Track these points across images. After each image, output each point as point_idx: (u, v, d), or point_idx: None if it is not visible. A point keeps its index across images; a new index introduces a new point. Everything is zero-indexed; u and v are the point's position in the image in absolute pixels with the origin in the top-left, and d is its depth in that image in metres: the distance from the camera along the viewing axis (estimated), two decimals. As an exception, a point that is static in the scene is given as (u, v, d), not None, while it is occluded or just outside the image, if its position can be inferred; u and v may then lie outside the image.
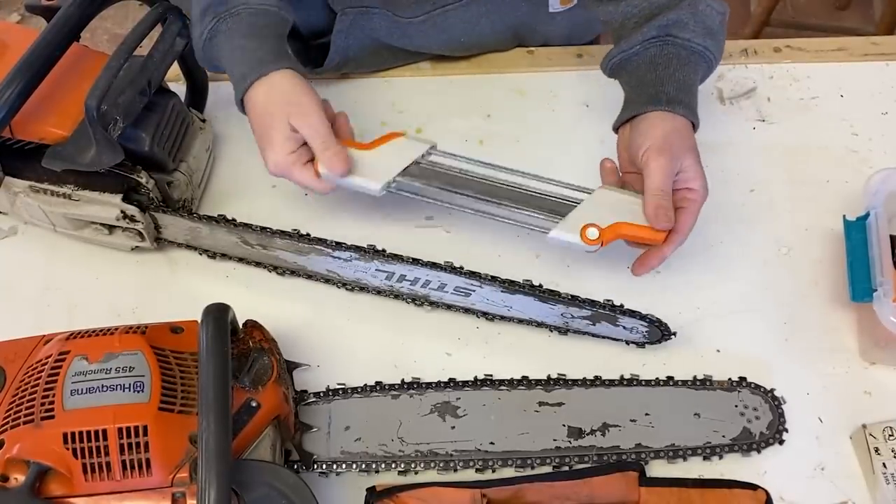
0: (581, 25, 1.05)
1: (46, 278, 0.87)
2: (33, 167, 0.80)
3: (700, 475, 0.74)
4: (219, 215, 0.83)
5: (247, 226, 0.82)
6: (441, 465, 0.73)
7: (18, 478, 0.61)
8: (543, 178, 0.78)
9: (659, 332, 0.77)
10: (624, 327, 0.78)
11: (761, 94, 0.99)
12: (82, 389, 0.62)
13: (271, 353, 0.72)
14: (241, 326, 0.73)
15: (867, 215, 0.79)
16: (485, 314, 0.82)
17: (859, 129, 0.95)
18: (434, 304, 0.83)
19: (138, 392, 0.62)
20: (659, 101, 0.76)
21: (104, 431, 0.60)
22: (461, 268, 0.79)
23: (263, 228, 0.82)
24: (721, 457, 0.74)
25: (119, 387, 0.62)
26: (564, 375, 0.78)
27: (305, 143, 0.77)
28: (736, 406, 0.76)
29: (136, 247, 0.87)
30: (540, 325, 0.81)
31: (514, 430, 0.74)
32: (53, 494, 0.61)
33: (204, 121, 0.91)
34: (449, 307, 0.83)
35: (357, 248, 0.80)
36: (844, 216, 0.81)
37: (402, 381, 0.77)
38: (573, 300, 0.76)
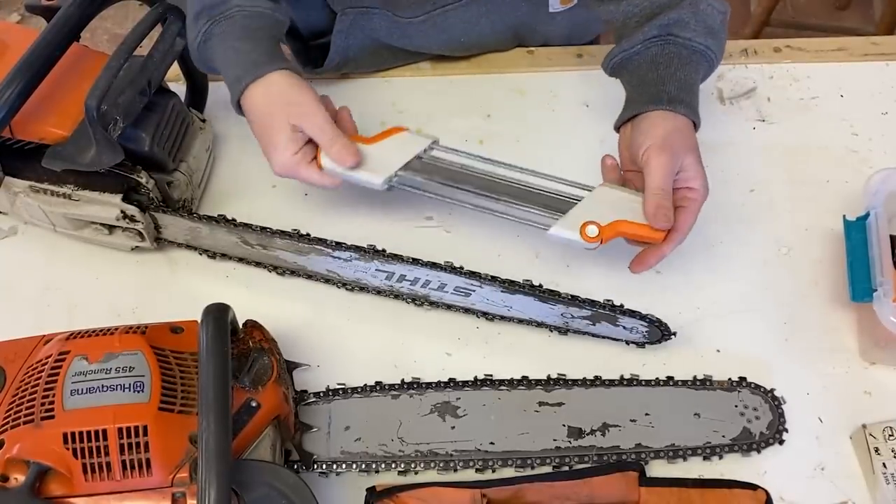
0: (581, 25, 1.05)
1: (46, 278, 0.87)
2: (33, 167, 0.80)
3: (700, 475, 0.74)
4: (219, 215, 0.83)
5: (247, 226, 0.82)
6: (441, 465, 0.73)
7: (18, 478, 0.61)
8: (545, 175, 0.78)
9: (659, 332, 0.77)
10: (624, 327, 0.78)
11: (761, 94, 0.99)
12: (82, 389, 0.62)
13: (271, 353, 0.72)
14: (241, 326, 0.73)
15: (867, 215, 0.79)
16: (485, 314, 0.82)
17: (859, 129, 0.95)
18: (434, 304, 0.83)
19: (138, 392, 0.62)
20: (660, 101, 0.76)
21: (104, 431, 0.60)
22: (461, 268, 0.79)
23: (263, 228, 0.82)
24: (721, 457, 0.74)
25: (119, 387, 0.62)
26: (564, 375, 0.78)
27: (308, 142, 0.77)
28: (736, 406, 0.76)
29: (136, 247, 0.87)
30: (540, 325, 0.81)
31: (514, 430, 0.74)
32: (53, 494, 0.61)
33: (204, 121, 0.91)
34: (449, 307, 0.83)
35: (357, 248, 0.80)
36: (844, 216, 0.81)
37: (402, 381, 0.77)
38: (573, 300, 0.76)
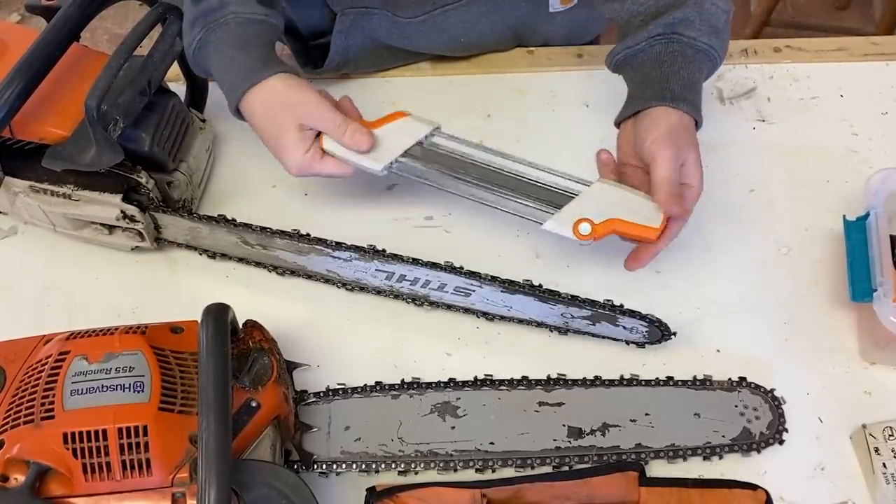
0: (581, 25, 1.05)
1: (46, 278, 0.88)
2: (33, 167, 0.80)
3: (700, 475, 0.74)
4: (219, 215, 0.83)
5: (247, 226, 0.82)
6: (441, 465, 0.73)
7: (18, 478, 0.61)
8: (545, 168, 0.78)
9: (659, 332, 0.77)
10: (624, 327, 0.78)
11: (761, 94, 0.99)
12: (82, 389, 0.62)
13: (271, 353, 0.72)
14: (241, 326, 0.73)
15: (867, 215, 0.79)
16: (485, 314, 0.82)
17: (859, 129, 0.95)
18: (434, 304, 0.83)
19: (138, 392, 0.62)
20: (664, 98, 0.76)
21: (104, 431, 0.60)
22: (461, 268, 0.79)
23: (263, 228, 0.82)
24: (721, 457, 0.74)
25: (119, 387, 0.62)
26: (564, 375, 0.78)
27: (317, 138, 0.78)
28: (736, 406, 0.76)
29: (136, 247, 0.87)
30: (540, 325, 0.81)
31: (514, 430, 0.74)
32: (53, 494, 0.61)
33: (204, 121, 0.91)
34: (449, 307, 0.83)
35: (357, 248, 0.80)
36: (844, 216, 0.81)
37: (402, 381, 0.77)
38: (573, 300, 0.76)
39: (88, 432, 0.60)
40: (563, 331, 0.81)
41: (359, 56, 1.00)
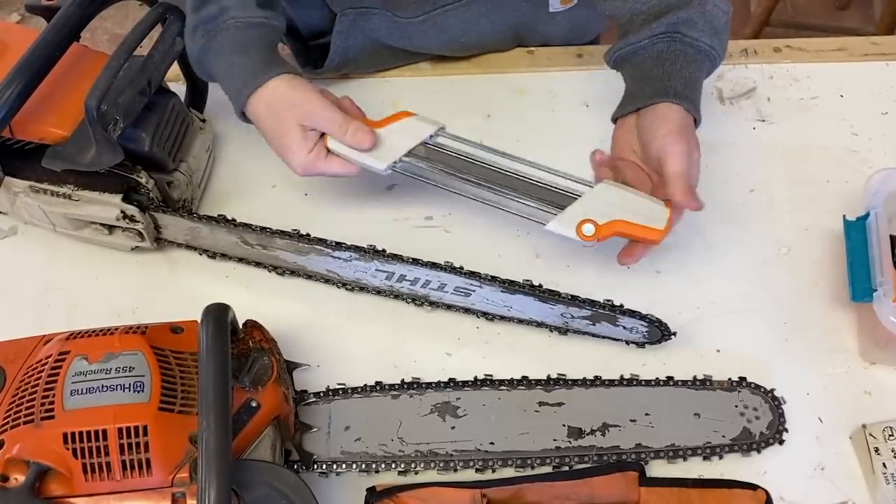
0: (581, 25, 1.05)
1: (46, 278, 0.88)
2: (33, 167, 0.80)
3: (700, 475, 0.74)
4: (219, 215, 0.83)
5: (247, 226, 0.82)
6: (441, 465, 0.73)
7: (18, 478, 0.61)
8: (548, 169, 0.78)
9: (659, 332, 0.77)
10: (624, 327, 0.78)
11: (761, 94, 0.99)
12: (82, 389, 0.62)
13: (271, 353, 0.72)
14: (241, 326, 0.73)
15: (867, 215, 0.79)
16: (485, 314, 0.82)
17: (859, 129, 0.95)
18: (434, 304, 0.83)
19: (138, 392, 0.62)
20: (667, 95, 0.77)
21: (104, 431, 0.60)
22: (461, 268, 0.79)
23: (263, 228, 0.82)
24: (721, 457, 0.74)
25: (119, 387, 0.62)
26: (564, 375, 0.78)
27: (321, 138, 0.78)
28: (736, 406, 0.76)
29: (136, 247, 0.87)
30: (540, 325, 0.81)
31: (514, 430, 0.74)
32: (53, 494, 0.61)
33: (204, 121, 0.91)
34: (449, 307, 0.83)
35: (357, 248, 0.80)
36: (844, 216, 0.81)
37: (402, 381, 0.77)
38: (573, 300, 0.76)
39: (88, 432, 0.60)
40: (563, 331, 0.81)
41: (359, 56, 1.00)
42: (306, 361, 0.79)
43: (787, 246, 0.88)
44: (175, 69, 0.86)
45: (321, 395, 0.77)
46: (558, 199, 0.76)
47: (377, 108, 0.83)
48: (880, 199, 0.79)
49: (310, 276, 0.85)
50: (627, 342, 0.81)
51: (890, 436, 0.73)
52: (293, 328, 0.81)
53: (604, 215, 0.74)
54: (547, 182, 0.77)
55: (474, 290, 0.79)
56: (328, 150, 0.79)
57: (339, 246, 0.80)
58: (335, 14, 0.97)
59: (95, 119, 0.73)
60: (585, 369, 0.78)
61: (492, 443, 0.74)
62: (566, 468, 0.73)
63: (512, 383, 0.77)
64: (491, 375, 0.78)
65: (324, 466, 0.73)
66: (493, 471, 0.74)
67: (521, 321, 0.82)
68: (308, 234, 0.81)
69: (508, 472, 0.74)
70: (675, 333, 0.78)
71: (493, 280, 0.78)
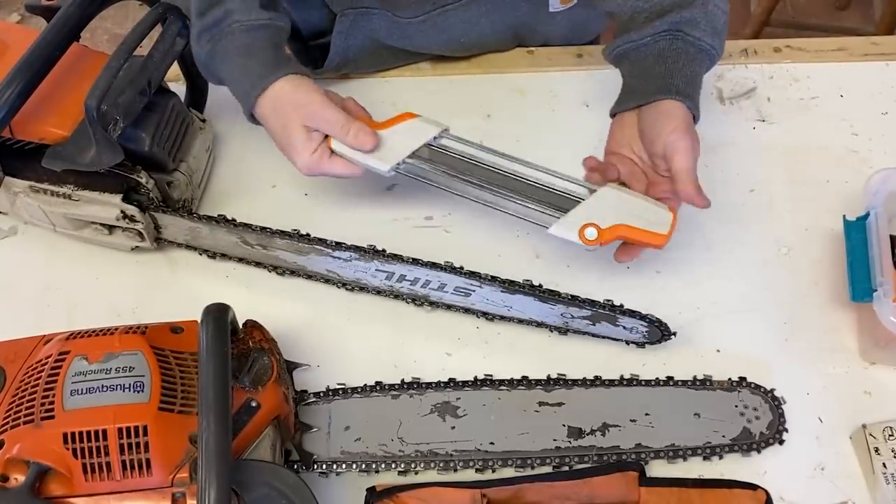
0: (581, 25, 1.05)
1: (46, 278, 0.87)
2: (33, 167, 0.80)
3: (700, 475, 0.74)
4: (219, 215, 0.83)
5: (247, 226, 0.82)
6: (441, 465, 0.73)
7: (18, 478, 0.61)
8: (552, 172, 0.78)
9: (659, 332, 0.77)
10: (624, 327, 0.78)
11: (761, 94, 0.99)
12: (82, 389, 0.62)
13: (271, 353, 0.72)
14: (241, 326, 0.73)
15: (867, 215, 0.79)
16: (485, 314, 0.82)
17: (859, 129, 0.95)
18: (434, 304, 0.83)
19: (138, 392, 0.62)
20: (670, 92, 0.77)
21: (104, 431, 0.60)
22: (461, 268, 0.79)
23: (263, 228, 0.82)
24: (721, 457, 0.74)
25: (119, 387, 0.62)
26: (564, 375, 0.78)
27: (325, 139, 0.79)
28: (736, 406, 0.76)
29: (136, 247, 0.87)
30: (540, 325, 0.81)
31: (514, 430, 0.74)
32: (53, 494, 0.61)
33: (204, 121, 0.91)
34: (449, 307, 0.83)
35: (357, 248, 0.80)
36: (844, 216, 0.81)
37: (402, 381, 0.77)
38: (573, 300, 0.76)
39: (88, 432, 0.60)
40: (563, 331, 0.81)
41: (359, 56, 1.00)
42: (306, 361, 0.79)
43: (787, 246, 0.88)
44: (175, 69, 0.86)
45: (321, 395, 0.77)
46: (562, 203, 0.76)
47: (377, 109, 0.83)
48: (880, 199, 0.79)
49: (310, 276, 0.85)
50: (627, 342, 0.81)
51: (890, 436, 0.73)
52: (293, 328, 0.81)
53: (607, 219, 0.74)
54: (551, 185, 0.77)
55: (474, 290, 0.79)
56: (332, 151, 0.79)
57: (339, 246, 0.80)
58: (335, 14, 0.97)
59: (95, 119, 0.73)
60: (585, 369, 0.78)
61: (492, 443, 0.74)
62: (566, 468, 0.73)
63: (512, 383, 0.77)
64: (491, 375, 0.77)
65: (324, 466, 0.73)
66: (493, 471, 0.74)
67: (521, 321, 0.82)
68: (308, 234, 0.81)
69: (508, 472, 0.74)
70: (675, 333, 0.78)
71: (493, 280, 0.78)
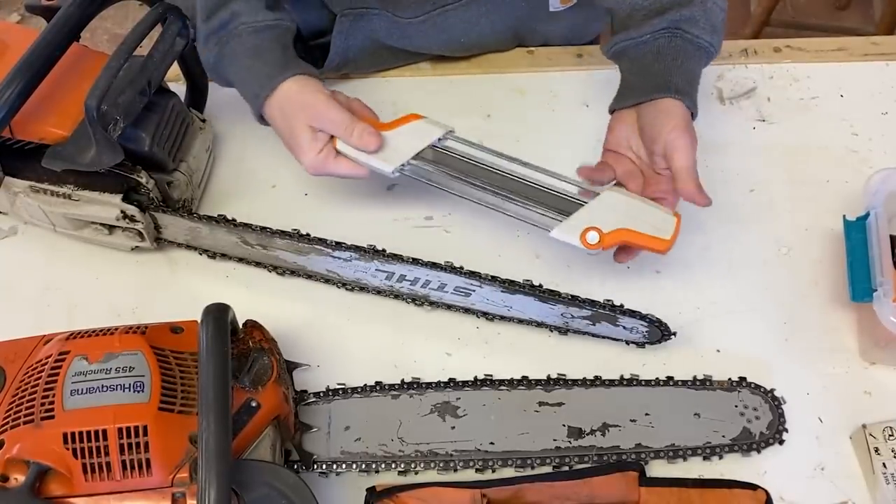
0: (581, 25, 1.05)
1: (46, 278, 0.87)
2: (33, 167, 0.80)
3: (700, 475, 0.74)
4: (219, 215, 0.83)
5: (247, 226, 0.82)
6: (441, 465, 0.73)
7: (18, 478, 0.61)
8: (556, 174, 0.78)
9: (659, 332, 0.77)
10: (624, 327, 0.78)
11: (761, 94, 0.99)
12: (82, 389, 0.62)
13: (271, 353, 0.72)
14: (241, 326, 0.73)
15: (867, 215, 0.79)
16: (485, 314, 0.82)
17: (859, 129, 0.95)
18: (434, 304, 0.83)
19: (138, 392, 0.62)
20: (668, 90, 0.77)
21: (104, 431, 0.60)
22: (461, 268, 0.79)
23: (263, 228, 0.82)
24: (721, 457, 0.74)
25: (119, 387, 0.62)
26: (564, 375, 0.78)
27: (331, 139, 0.79)
28: (736, 406, 0.76)
29: (136, 247, 0.87)
30: (540, 325, 0.81)
31: (514, 430, 0.74)
32: (53, 494, 0.61)
33: (204, 121, 0.91)
34: (449, 307, 0.83)
35: (357, 248, 0.80)
36: (844, 216, 0.81)
37: (402, 381, 0.77)
38: (573, 300, 0.76)
39: (88, 432, 0.60)
40: (563, 331, 0.81)
41: (359, 56, 1.00)
42: (306, 361, 0.79)
43: (787, 246, 0.88)
44: (175, 69, 0.86)
45: (321, 395, 0.77)
46: (565, 206, 0.76)
47: (377, 109, 0.83)
48: (880, 199, 0.79)
49: (310, 276, 0.85)
50: (627, 342, 0.81)
51: (890, 436, 0.73)
52: (293, 328, 0.81)
53: (609, 223, 0.74)
54: (554, 188, 0.77)
55: (474, 290, 0.79)
56: (338, 152, 0.79)
57: (339, 246, 0.80)
58: (335, 15, 0.97)
59: (95, 119, 0.73)
60: (585, 369, 0.78)
61: (492, 443, 0.74)
62: (566, 468, 0.73)
63: (512, 383, 0.77)
64: (491, 375, 0.77)
65: (324, 466, 0.73)
66: (493, 471, 0.74)
67: (521, 321, 0.82)
68: (308, 234, 0.81)
69: (508, 472, 0.74)
70: (675, 333, 0.78)
71: (494, 280, 0.78)
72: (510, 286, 0.77)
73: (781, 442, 0.75)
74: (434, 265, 0.79)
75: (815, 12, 2.23)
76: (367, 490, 0.72)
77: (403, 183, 0.86)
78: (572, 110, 0.98)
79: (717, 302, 0.84)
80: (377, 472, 0.73)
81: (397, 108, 0.97)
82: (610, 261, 0.80)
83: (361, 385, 0.77)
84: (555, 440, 0.74)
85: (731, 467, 0.74)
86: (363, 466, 0.73)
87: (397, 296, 0.83)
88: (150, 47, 0.81)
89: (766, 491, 0.72)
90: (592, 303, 0.76)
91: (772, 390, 0.77)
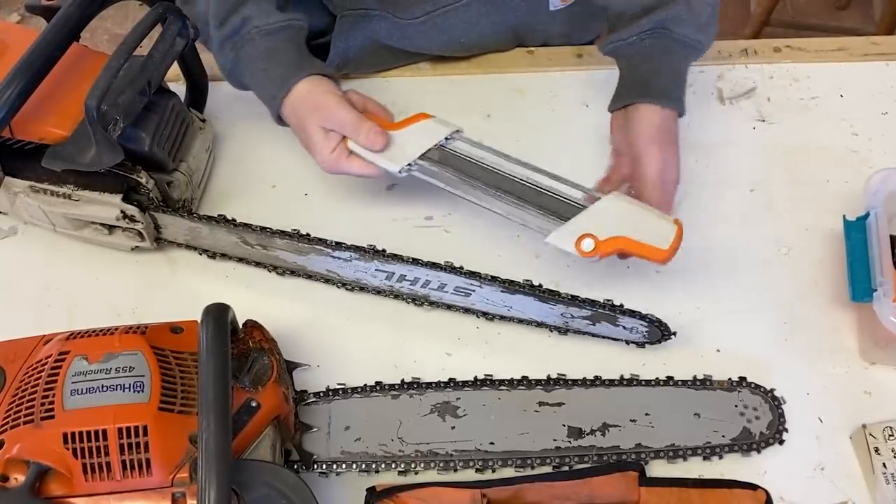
0: (581, 24, 1.05)
1: (46, 278, 0.87)
2: (33, 167, 0.80)
3: (700, 475, 0.74)
4: (219, 215, 0.83)
5: (247, 226, 0.82)
6: (441, 465, 0.73)
7: (18, 478, 0.61)
8: (561, 178, 0.78)
9: (659, 332, 0.77)
10: (624, 327, 0.78)
11: (761, 94, 0.99)
12: (82, 389, 0.62)
13: (271, 353, 0.72)
14: (241, 326, 0.73)
15: (867, 215, 0.79)
16: (485, 314, 0.82)
17: (859, 129, 0.95)
18: (434, 304, 0.83)
19: (138, 392, 0.62)
20: (647, 95, 0.79)
21: (104, 431, 0.60)
22: (461, 268, 0.79)
23: (263, 228, 0.82)
24: (721, 457, 0.74)
25: (119, 387, 0.62)
26: (564, 375, 0.78)
27: (343, 139, 0.80)
28: (736, 406, 0.76)
29: (136, 247, 0.87)
30: (540, 325, 0.81)
31: (514, 430, 0.74)
32: (53, 494, 0.61)
33: (204, 121, 0.91)
34: (449, 307, 0.83)
35: (357, 248, 0.80)
36: (844, 216, 0.81)
37: (402, 381, 0.77)
38: (573, 300, 0.76)
39: (88, 432, 0.60)
40: (563, 331, 0.81)
41: (359, 57, 1.00)
42: (306, 361, 0.79)
43: (787, 246, 0.88)
44: (175, 69, 0.86)
45: (321, 395, 0.77)
46: (565, 210, 0.76)
47: (377, 109, 0.83)
48: (880, 199, 0.79)
49: (310, 276, 0.85)
50: (627, 342, 0.81)
51: (890, 436, 0.73)
52: (293, 328, 0.81)
53: (607, 230, 0.73)
54: (558, 191, 0.77)
55: (474, 290, 0.79)
56: (350, 151, 0.80)
57: (339, 246, 0.80)
58: (335, 15, 0.97)
59: (95, 119, 0.73)
60: (585, 369, 0.78)
61: (492, 443, 0.74)
62: (566, 468, 0.73)
63: (512, 383, 0.77)
64: (491, 375, 0.77)
65: (324, 466, 0.73)
66: (493, 471, 0.74)
67: (521, 321, 0.82)
68: (308, 234, 0.81)
69: (508, 472, 0.74)
70: (675, 333, 0.78)
71: (493, 280, 0.78)
72: (510, 286, 0.77)
73: (781, 442, 0.75)
74: (434, 265, 0.79)
75: (815, 12, 2.23)
76: (367, 490, 0.72)
77: (404, 183, 0.86)
78: (572, 110, 0.98)
79: (717, 302, 0.84)
80: (377, 472, 0.73)
81: (397, 109, 0.97)
82: (610, 260, 0.80)
83: (361, 385, 0.77)
84: (555, 440, 0.74)
85: (731, 467, 0.74)
86: (363, 466, 0.73)
87: (397, 296, 0.83)
88: (150, 47, 0.81)
89: (766, 491, 0.72)
90: (592, 303, 0.76)
91: (772, 390, 0.77)
